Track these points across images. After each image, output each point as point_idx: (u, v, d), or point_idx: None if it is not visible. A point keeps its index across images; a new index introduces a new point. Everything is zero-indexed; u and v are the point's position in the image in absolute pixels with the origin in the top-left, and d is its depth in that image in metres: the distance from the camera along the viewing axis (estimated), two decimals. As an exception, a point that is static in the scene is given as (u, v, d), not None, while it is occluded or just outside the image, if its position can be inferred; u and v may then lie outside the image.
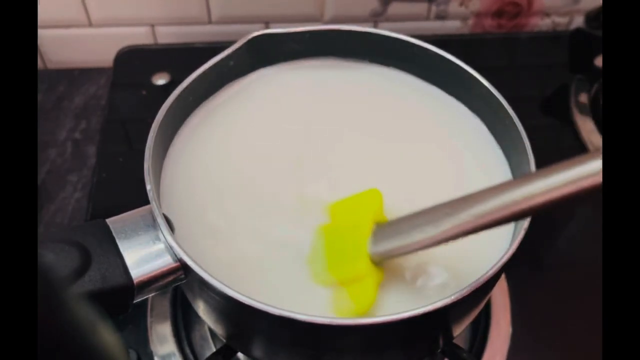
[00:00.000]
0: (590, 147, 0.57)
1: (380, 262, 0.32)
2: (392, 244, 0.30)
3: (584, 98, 0.60)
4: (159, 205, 0.30)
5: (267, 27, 0.65)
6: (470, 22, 0.67)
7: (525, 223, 0.31)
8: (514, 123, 0.35)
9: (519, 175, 0.35)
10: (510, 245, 0.31)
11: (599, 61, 0.59)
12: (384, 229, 0.31)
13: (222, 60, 0.38)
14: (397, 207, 0.35)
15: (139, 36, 0.65)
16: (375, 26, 0.66)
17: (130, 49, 0.63)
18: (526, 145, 0.34)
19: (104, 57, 0.64)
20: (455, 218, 0.27)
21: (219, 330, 0.35)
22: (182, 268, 0.30)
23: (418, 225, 0.29)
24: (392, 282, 0.32)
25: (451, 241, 0.28)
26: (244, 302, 0.27)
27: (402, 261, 0.33)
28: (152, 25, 0.64)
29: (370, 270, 0.31)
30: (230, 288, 0.28)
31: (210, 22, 0.64)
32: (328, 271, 0.32)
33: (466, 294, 0.28)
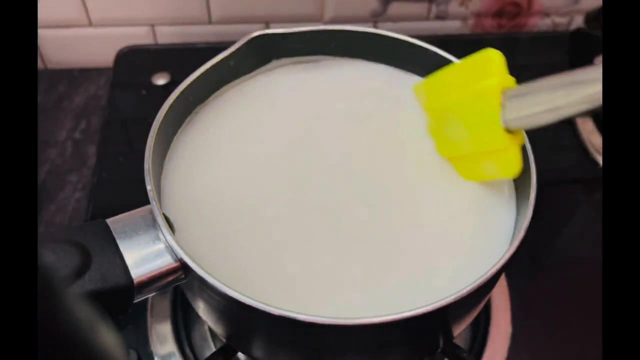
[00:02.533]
0: (590, 147, 0.57)
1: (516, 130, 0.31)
2: (535, 109, 0.29)
3: (584, 98, 0.60)
4: (159, 205, 0.30)
5: (267, 27, 0.65)
6: (470, 22, 0.67)
7: (526, 223, 0.31)
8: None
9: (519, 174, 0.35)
10: (510, 245, 0.31)
11: (599, 61, 0.59)
12: (517, 95, 0.30)
13: (222, 60, 0.38)
14: (397, 202, 0.35)
15: (139, 36, 0.65)
16: (375, 26, 0.66)
17: (130, 49, 0.63)
18: (526, 145, 0.34)
19: (104, 57, 0.64)
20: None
21: (219, 330, 0.35)
22: (182, 268, 0.30)
23: (563, 86, 0.28)
24: (392, 281, 0.32)
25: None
26: (244, 302, 0.27)
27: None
28: (152, 25, 0.64)
29: (510, 139, 0.31)
30: (230, 288, 0.28)
31: (210, 22, 0.64)
32: (460, 146, 0.32)
33: (466, 294, 0.28)
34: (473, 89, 0.32)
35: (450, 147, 0.35)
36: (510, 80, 0.31)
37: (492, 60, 0.32)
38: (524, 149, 0.34)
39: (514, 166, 0.32)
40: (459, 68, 0.34)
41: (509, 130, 0.31)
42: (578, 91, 0.27)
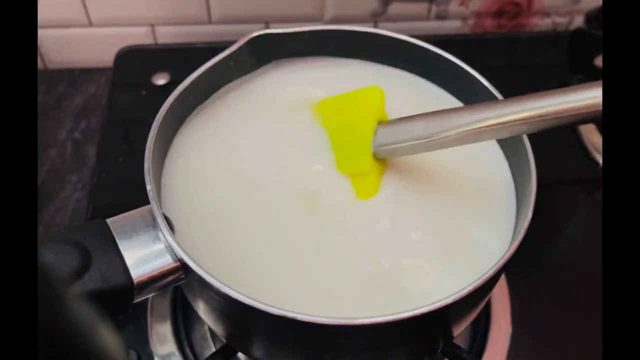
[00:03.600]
0: (590, 147, 0.57)
1: (383, 158, 0.34)
2: (397, 141, 0.33)
3: (584, 98, 0.60)
4: (159, 205, 0.30)
5: (267, 27, 0.65)
6: (471, 22, 0.67)
7: (525, 223, 0.31)
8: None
9: (519, 175, 0.35)
10: (510, 245, 0.31)
11: (599, 61, 0.59)
12: (387, 127, 0.33)
13: (222, 60, 0.38)
14: (400, 194, 0.35)
15: (139, 36, 0.65)
16: (375, 26, 0.66)
17: (130, 49, 0.63)
18: (526, 145, 0.34)
19: (104, 57, 0.64)
20: (462, 121, 0.31)
21: (219, 330, 0.35)
22: (182, 268, 0.30)
23: (424, 125, 0.32)
24: (392, 281, 0.32)
25: (453, 145, 0.31)
26: (244, 302, 0.27)
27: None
28: (152, 25, 0.64)
29: (374, 166, 0.34)
30: (230, 288, 0.28)
31: (210, 22, 0.64)
32: (337, 166, 0.35)
33: (466, 294, 0.28)
34: (356, 115, 0.35)
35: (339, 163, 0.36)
36: (385, 116, 0.35)
37: (372, 96, 0.35)
38: (524, 148, 0.34)
39: (370, 190, 0.34)
40: (350, 96, 0.37)
41: (375, 157, 0.34)
42: (437, 128, 0.31)
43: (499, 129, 0.29)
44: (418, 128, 0.32)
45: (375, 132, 0.34)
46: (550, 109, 0.28)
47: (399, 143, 0.33)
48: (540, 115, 0.28)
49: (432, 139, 0.31)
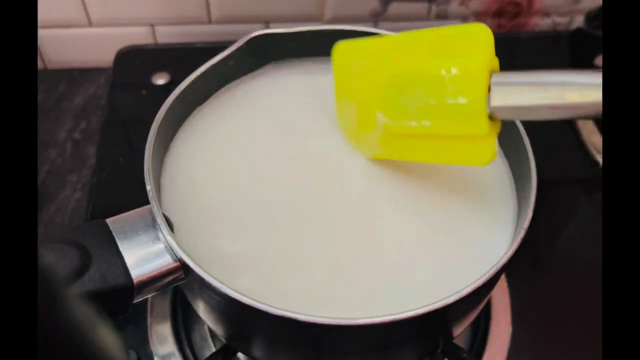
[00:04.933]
0: (590, 147, 0.57)
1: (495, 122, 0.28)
2: (528, 100, 0.26)
3: (584, 98, 0.60)
4: (159, 205, 0.30)
5: (267, 27, 0.65)
6: (471, 22, 0.67)
7: (526, 223, 0.31)
8: (514, 123, 0.35)
9: (519, 175, 0.35)
10: (510, 245, 0.31)
11: (599, 61, 0.59)
12: (508, 81, 0.27)
13: (222, 60, 0.38)
14: (401, 193, 0.35)
15: (139, 36, 0.65)
16: (375, 26, 0.65)
17: (130, 49, 0.63)
18: (526, 145, 0.34)
19: (104, 57, 0.64)
20: None
21: (219, 330, 0.35)
22: (182, 268, 0.30)
23: (560, 82, 0.26)
24: (392, 280, 0.32)
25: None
26: (244, 302, 0.27)
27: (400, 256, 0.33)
28: (152, 25, 0.64)
29: (491, 127, 0.28)
30: (230, 288, 0.28)
31: (210, 22, 0.64)
32: (431, 123, 0.28)
33: (466, 294, 0.28)
34: (456, 62, 0.28)
35: (401, 124, 0.30)
36: (497, 63, 0.29)
37: (481, 36, 0.28)
38: (524, 148, 0.34)
39: (489, 155, 0.29)
40: (435, 35, 0.29)
41: (491, 118, 0.28)
42: (577, 94, 0.26)
43: None
44: (554, 95, 0.26)
45: (491, 87, 0.27)
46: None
47: (530, 108, 0.26)
48: None
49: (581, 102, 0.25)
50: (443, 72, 0.28)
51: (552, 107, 0.26)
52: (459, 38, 0.28)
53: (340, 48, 0.35)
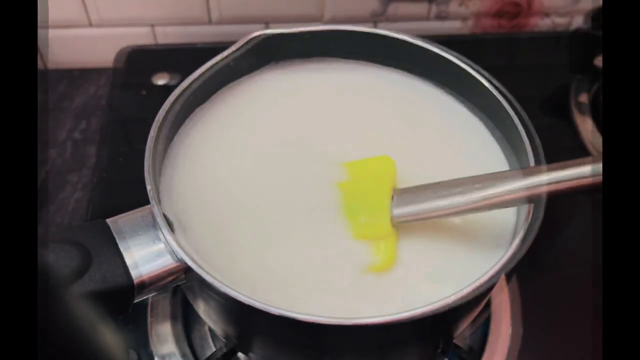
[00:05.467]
0: (590, 147, 0.57)
1: (397, 225, 0.33)
2: (417, 208, 0.32)
3: (584, 98, 0.60)
4: (159, 205, 0.30)
5: (267, 27, 0.64)
6: (470, 22, 0.67)
7: (526, 223, 0.31)
8: (513, 123, 0.35)
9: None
10: (510, 245, 0.31)
11: (599, 61, 0.59)
12: (405, 194, 0.33)
13: (222, 60, 0.38)
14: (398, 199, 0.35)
15: (140, 36, 0.65)
16: (375, 26, 0.66)
17: (131, 49, 0.63)
18: (526, 145, 0.34)
19: (104, 57, 0.64)
20: (472, 195, 0.31)
21: (219, 330, 0.35)
22: (182, 268, 0.30)
23: (442, 195, 0.32)
24: (393, 280, 0.32)
25: (472, 213, 0.32)
26: (244, 302, 0.27)
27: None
28: (153, 26, 0.64)
29: (392, 230, 0.33)
30: (231, 288, 0.28)
31: (210, 22, 0.64)
32: (352, 230, 0.33)
33: (466, 294, 0.28)
34: (374, 182, 0.35)
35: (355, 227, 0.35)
36: (396, 184, 0.35)
37: (388, 164, 0.35)
38: (524, 148, 0.34)
39: (390, 257, 0.33)
40: (362, 165, 0.36)
41: (393, 223, 0.33)
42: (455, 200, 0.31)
43: (521, 198, 0.30)
44: (439, 198, 0.32)
45: (394, 199, 0.33)
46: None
47: (421, 212, 0.32)
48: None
49: (454, 209, 0.31)
50: (361, 191, 0.35)
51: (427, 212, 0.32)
52: (372, 167, 0.36)
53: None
